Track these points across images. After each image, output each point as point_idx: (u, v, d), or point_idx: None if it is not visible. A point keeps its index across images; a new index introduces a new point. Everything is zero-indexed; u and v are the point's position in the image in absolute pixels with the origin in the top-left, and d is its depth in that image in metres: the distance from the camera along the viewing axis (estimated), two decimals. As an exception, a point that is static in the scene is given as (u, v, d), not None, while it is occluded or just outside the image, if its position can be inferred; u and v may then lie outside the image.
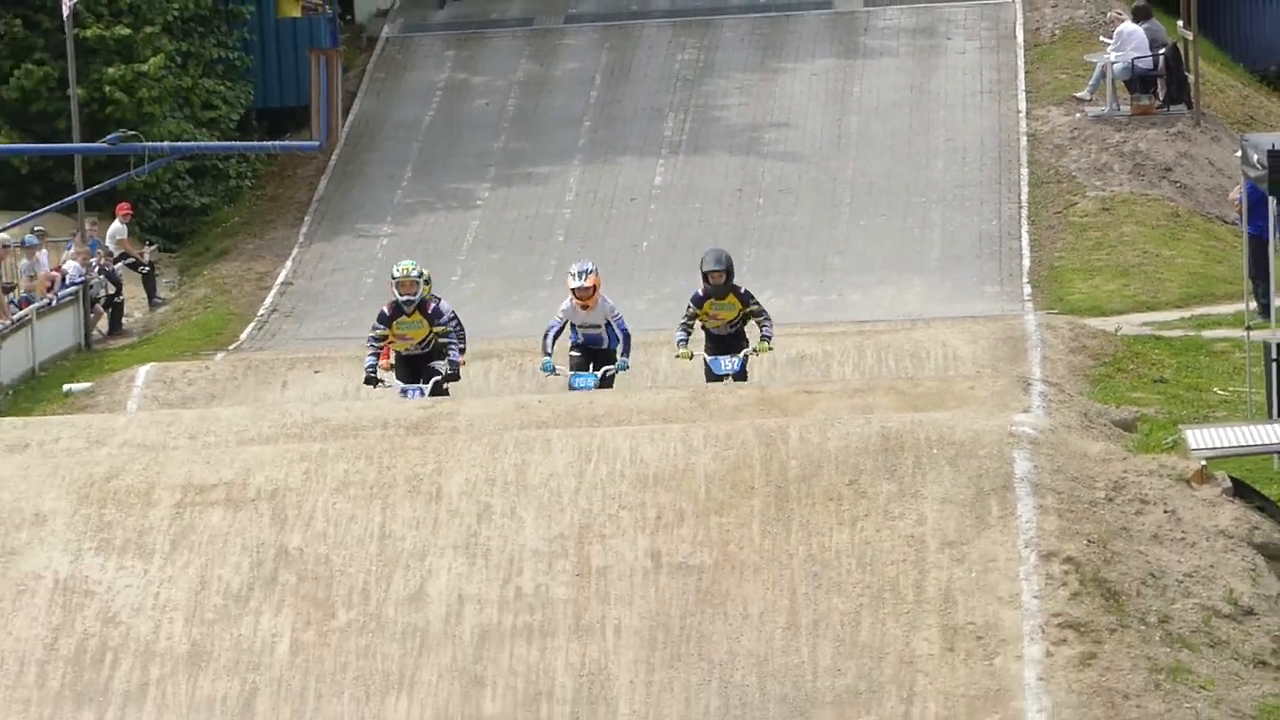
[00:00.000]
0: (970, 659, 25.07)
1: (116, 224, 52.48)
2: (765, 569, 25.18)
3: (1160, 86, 55.89)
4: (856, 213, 51.18)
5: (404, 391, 28.11)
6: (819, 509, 26.74)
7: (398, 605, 25.27)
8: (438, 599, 25.47)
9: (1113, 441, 30.69)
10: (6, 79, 52.49)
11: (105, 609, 25.27)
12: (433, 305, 28.02)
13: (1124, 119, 54.86)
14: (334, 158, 55.54)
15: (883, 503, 26.88)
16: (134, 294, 51.07)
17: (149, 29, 54.57)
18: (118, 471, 28.20)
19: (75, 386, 42.19)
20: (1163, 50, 56.47)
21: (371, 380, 28.65)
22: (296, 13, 59.57)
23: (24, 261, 49.91)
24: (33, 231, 51.46)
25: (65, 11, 50.81)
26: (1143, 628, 25.74)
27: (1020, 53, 57.45)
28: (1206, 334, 42.41)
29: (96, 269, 50.48)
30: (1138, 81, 55.69)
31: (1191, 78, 56.57)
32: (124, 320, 49.99)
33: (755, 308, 27.09)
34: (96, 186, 52.53)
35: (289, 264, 51.20)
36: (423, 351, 28.44)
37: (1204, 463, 28.82)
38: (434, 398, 28.20)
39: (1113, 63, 55.96)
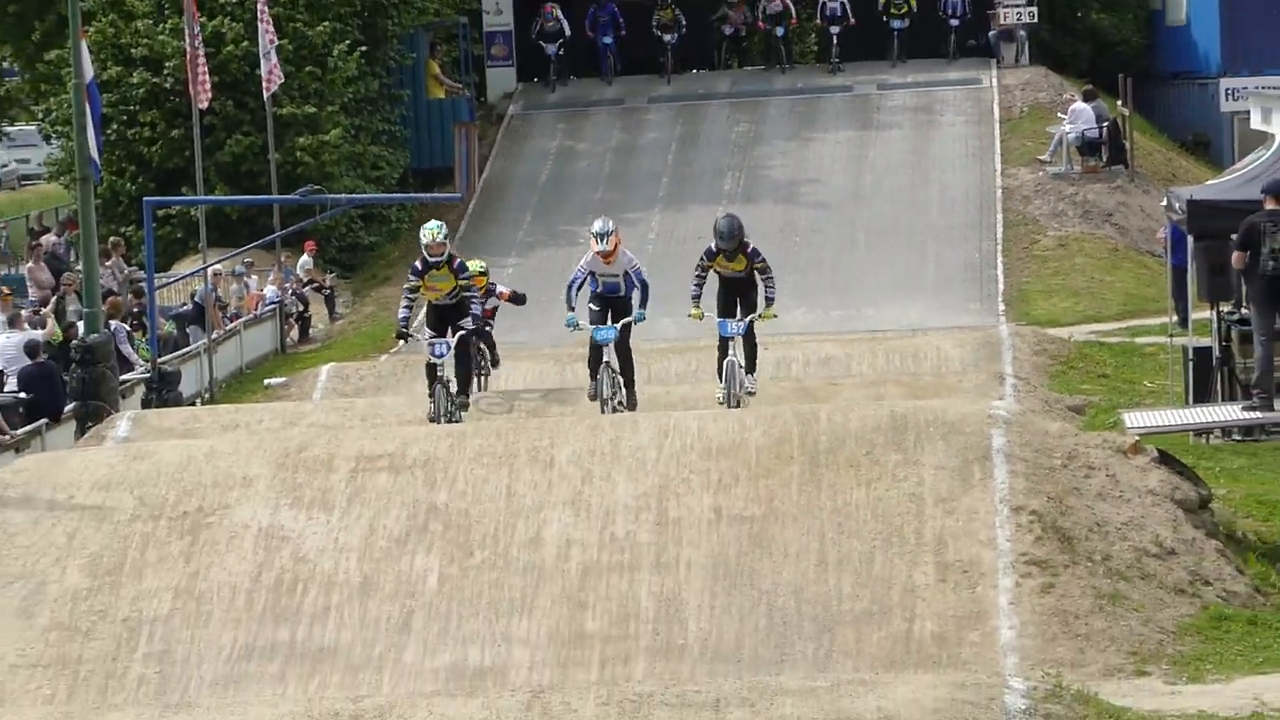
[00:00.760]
0: (958, 588, 25.11)
1: (305, 257, 52.68)
2: (801, 519, 25.27)
3: (1104, 151, 55.78)
4: (870, 248, 51.17)
5: (432, 345, 27.31)
6: (842, 473, 26.77)
7: (520, 547, 25.35)
8: (550, 542, 25.59)
9: (1067, 422, 30.80)
10: (221, 146, 52.47)
11: (296, 550, 25.44)
12: (457, 261, 27.35)
13: (1076, 176, 54.84)
14: (471, 206, 55.54)
15: (891, 468, 26.92)
16: (318, 311, 51.22)
17: (330, 108, 54.64)
18: (306, 445, 28.31)
19: (273, 381, 42.37)
20: (1106, 123, 56.39)
21: (402, 335, 28.07)
22: (442, 94, 59.70)
23: (234, 286, 50.18)
24: (242, 263, 51.73)
25: (266, 95, 50.83)
26: (1089, 564, 25.70)
27: (997, 125, 57.38)
28: (1139, 340, 42.51)
29: (290, 292, 50.69)
30: (1087, 147, 55.62)
31: (1128, 144, 56.49)
32: (310, 331, 50.16)
33: (761, 264, 26.37)
34: (290, 228, 52.64)
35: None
36: (450, 301, 27.54)
37: (1137, 438, 28.82)
38: (455, 351, 27.59)
39: (1067, 133, 55.89)
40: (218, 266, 51.00)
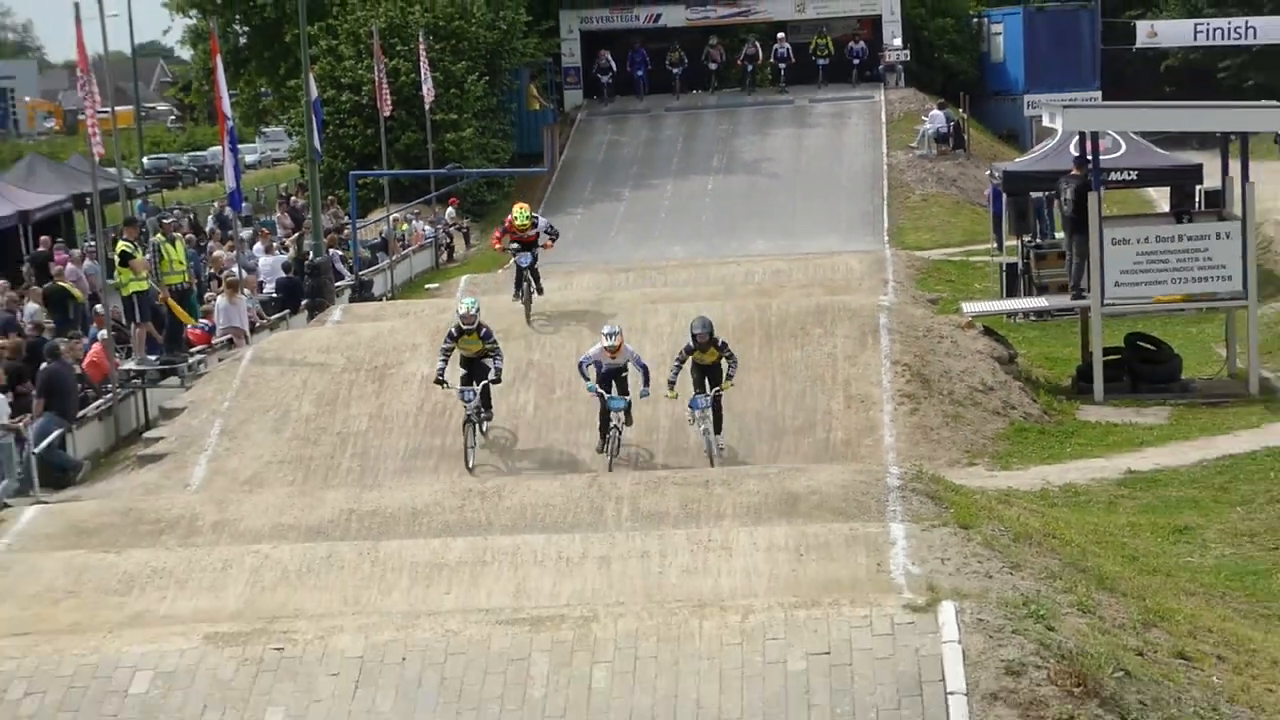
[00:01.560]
0: (858, 411, 25.04)
1: (450, 209, 52.40)
2: (760, 369, 25.19)
3: (950, 141, 55.34)
4: (804, 201, 50.71)
5: (461, 393, 24.42)
6: (785, 341, 26.62)
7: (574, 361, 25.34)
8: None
9: (926, 309, 30.60)
10: (398, 140, 52.28)
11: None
12: (484, 330, 24.48)
13: (933, 157, 54.30)
14: (554, 177, 55.11)
15: (816, 338, 26.77)
16: (459, 243, 50.99)
17: (465, 115, 54.35)
18: (433, 336, 28.25)
19: (431, 286, 42.34)
20: (952, 123, 55.93)
21: (439, 382, 24.44)
22: (536, 107, 59.49)
23: (405, 226, 49.89)
24: (410, 213, 51.49)
25: (426, 106, 50.67)
26: (939, 396, 25.61)
27: (883, 125, 56.78)
28: (972, 259, 42.29)
29: (440, 230, 50.50)
30: (940, 138, 55.10)
31: (966, 137, 56.08)
32: (454, 255, 49.91)
33: (728, 354, 24.07)
34: (440, 191, 52.64)
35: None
36: (476, 357, 24.61)
37: (970, 318, 28.70)
38: (480, 395, 24.64)
39: (928, 129, 55.33)
40: (396, 214, 50.92)
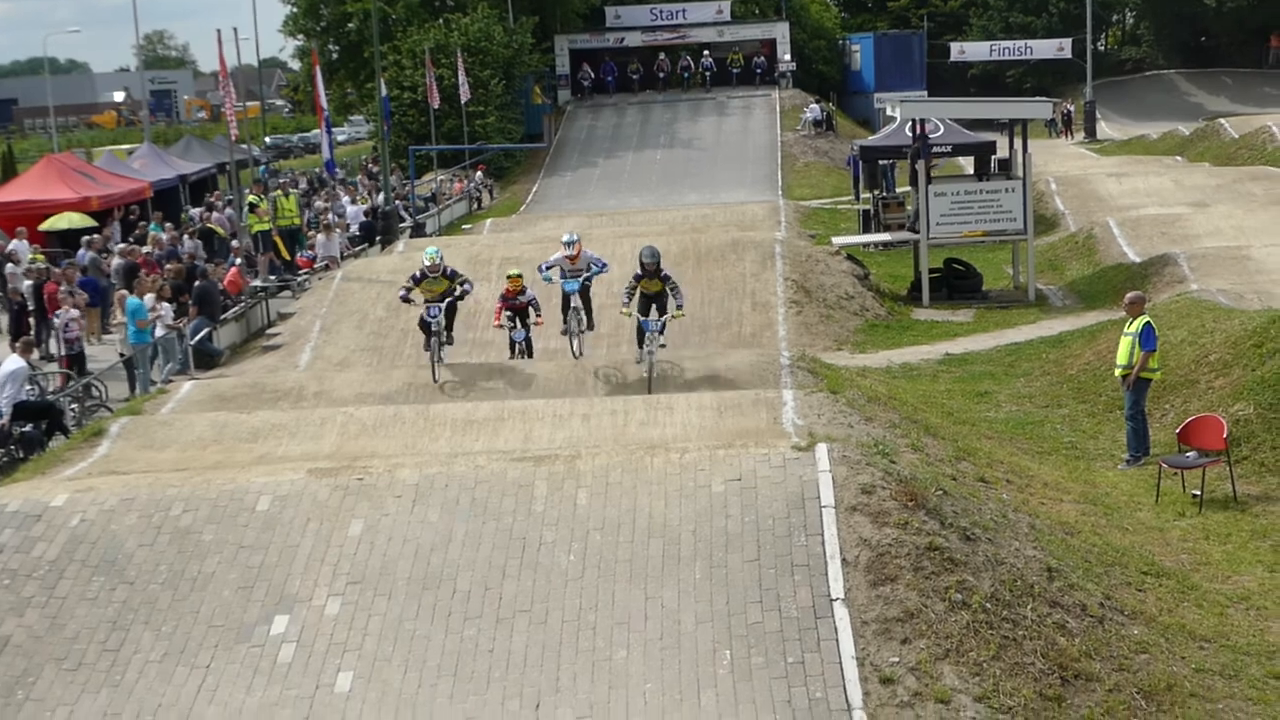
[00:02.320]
0: (760, 313, 24.88)
1: (479, 173, 51.90)
2: (692, 285, 24.84)
3: (824, 125, 55.04)
4: (723, 167, 50.32)
5: (427, 309, 19.68)
6: (710, 264, 26.42)
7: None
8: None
9: (807, 242, 30.38)
10: (443, 124, 51.73)
11: (476, 295, 25.01)
12: (450, 269, 20.00)
13: (811, 137, 54.06)
14: (551, 151, 54.69)
15: (732, 262, 26.57)
16: (485, 198, 50.52)
17: (490, 107, 53.90)
18: (480, 250, 27.93)
19: (466, 226, 41.67)
20: (825, 113, 55.66)
21: (405, 299, 20.07)
22: (538, 101, 58.81)
23: (449, 185, 49.47)
24: (452, 175, 51.00)
25: (463, 101, 50.21)
26: (816, 302, 25.44)
27: (778, 114, 56.72)
28: (840, 207, 42.00)
29: (473, 187, 50.00)
30: (816, 124, 54.83)
31: (835, 123, 55.78)
32: (482, 204, 49.46)
33: (671, 285, 19.66)
34: (473, 160, 52.13)
35: (537, 185, 50.53)
36: (441, 299, 19.76)
37: (838, 248, 28.55)
38: (444, 312, 19.81)
39: (808, 118, 55.05)
40: (442, 176, 50.56)
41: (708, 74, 61.50)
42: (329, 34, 62.66)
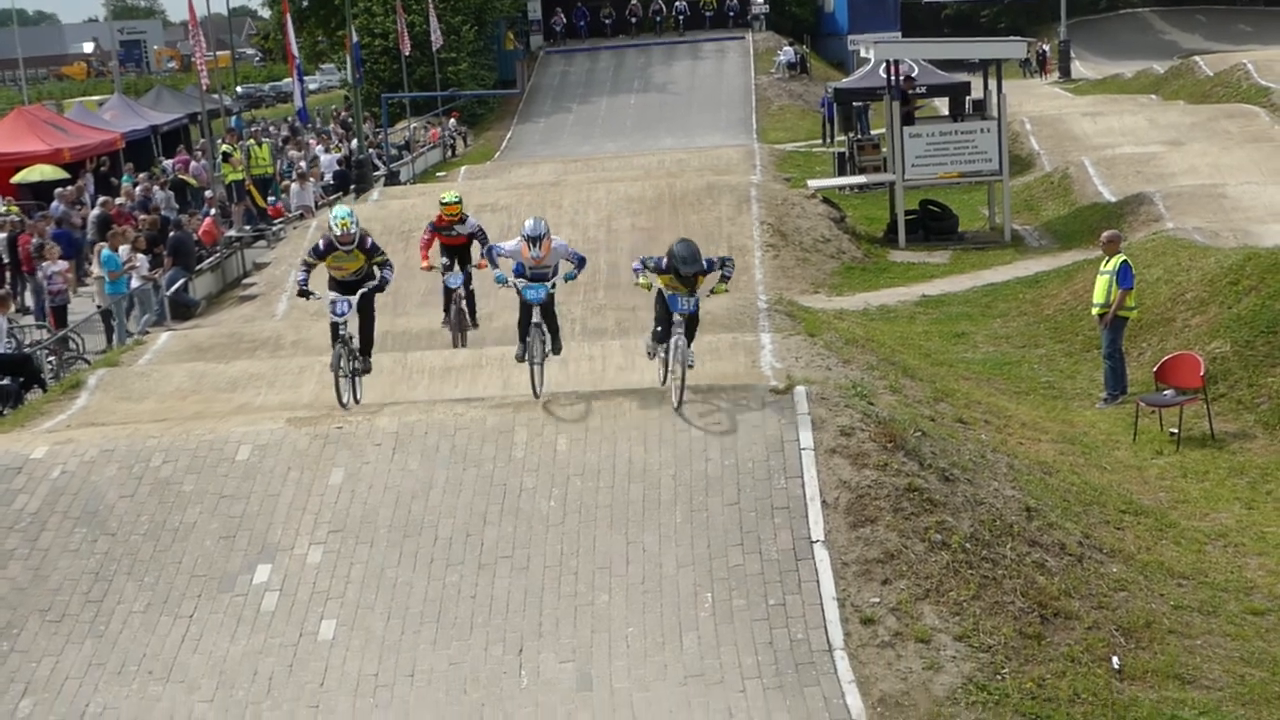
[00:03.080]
0: (738, 257, 24.59)
1: (452, 121, 51.52)
2: (669, 229, 24.70)
3: (798, 68, 54.83)
4: (699, 111, 50.09)
5: (333, 303, 14.51)
6: (686, 209, 26.36)
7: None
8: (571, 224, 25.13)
9: (783, 185, 30.31)
10: (414, 71, 51.37)
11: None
12: (369, 241, 14.53)
13: (785, 80, 53.85)
14: (524, 97, 54.28)
15: (708, 206, 26.51)
16: (459, 145, 50.14)
17: (462, 54, 53.60)
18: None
19: (440, 174, 41.25)
20: (799, 55, 55.45)
21: (303, 294, 14.67)
22: (511, 47, 58.36)
23: (422, 133, 49.06)
24: (425, 123, 50.62)
25: (434, 48, 49.83)
26: (793, 245, 25.43)
27: (752, 58, 56.13)
28: (815, 150, 41.84)
29: (446, 135, 49.60)
30: (790, 67, 54.63)
31: (809, 65, 55.53)
32: (456, 152, 49.06)
33: (726, 270, 14.11)
34: (445, 107, 51.80)
35: (510, 132, 50.17)
36: (356, 279, 14.63)
37: (815, 191, 28.50)
38: (358, 310, 14.69)
39: (782, 60, 54.84)
40: (415, 124, 50.19)
41: (681, 17, 61.08)
42: (300, -20, 62.16)
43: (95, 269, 24.36)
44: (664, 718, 10.34)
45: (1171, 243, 22.10)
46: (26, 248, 25.95)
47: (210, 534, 12.36)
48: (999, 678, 10.63)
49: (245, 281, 27.28)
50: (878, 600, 11.21)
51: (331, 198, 34.98)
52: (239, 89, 71.48)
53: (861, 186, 32.91)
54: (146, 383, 16.69)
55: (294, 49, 37.19)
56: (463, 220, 17.01)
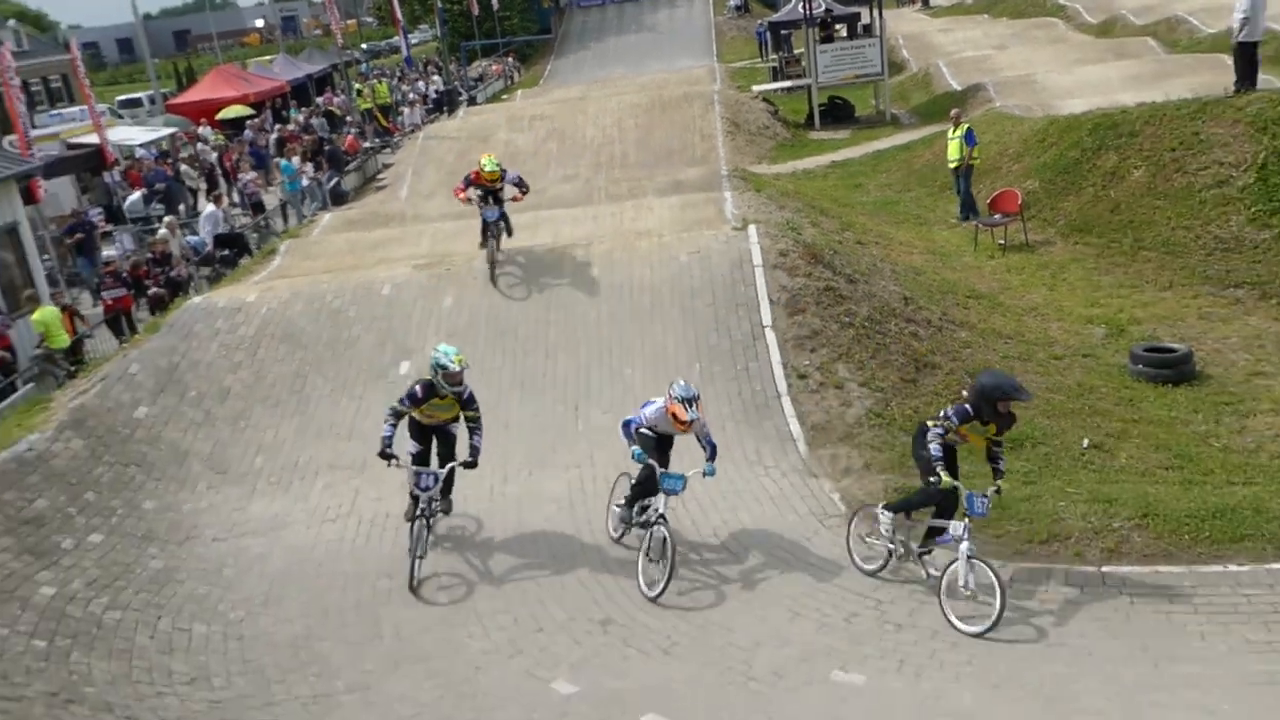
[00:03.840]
0: (707, 142, 24.20)
1: (510, 59, 49.93)
2: (659, 127, 24.17)
3: (742, 9, 52.86)
4: (672, 44, 48.00)
5: (419, 476, 8.76)
6: (670, 112, 25.61)
7: (579, 138, 24.29)
8: (590, 135, 24.53)
9: (736, 91, 29.46)
10: (482, 26, 49.48)
11: (513, 142, 24.46)
12: (467, 393, 8.76)
13: (735, 18, 51.85)
14: (557, 40, 52.51)
15: (685, 109, 25.77)
16: (517, 76, 48.57)
17: (513, 10, 51.76)
18: (518, 114, 27.06)
19: (505, 96, 39.28)
20: (744, 1, 53.43)
21: (385, 456, 8.54)
22: (547, 5, 56.03)
23: (492, 69, 47.38)
24: (493, 62, 48.92)
25: (495, 9, 48.03)
26: (744, 131, 24.81)
27: (711, 5, 53.88)
28: (756, 66, 40.46)
29: (506, 71, 48.01)
30: (738, 9, 52.66)
31: (751, 6, 53.46)
32: (514, 81, 47.61)
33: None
34: (503, 50, 50.14)
35: (550, 65, 48.53)
36: (445, 425, 8.99)
37: (759, 93, 27.74)
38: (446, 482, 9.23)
39: (731, 4, 52.85)
40: (484, 63, 48.64)
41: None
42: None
43: (277, 175, 24.06)
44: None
45: (1000, 116, 21.64)
46: (230, 162, 25.63)
47: (368, 343, 12.43)
48: (889, 408, 10.77)
49: (379, 177, 26.88)
50: (808, 362, 11.30)
51: (432, 117, 34.28)
52: (364, 45, 69.48)
53: (788, 89, 31.98)
54: (318, 248, 16.58)
55: (399, 15, 36.12)
56: (502, 177, 13.14)
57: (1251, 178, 14.71)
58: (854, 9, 33.88)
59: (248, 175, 23.64)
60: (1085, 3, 38.08)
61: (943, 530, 7.90)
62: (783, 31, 35.61)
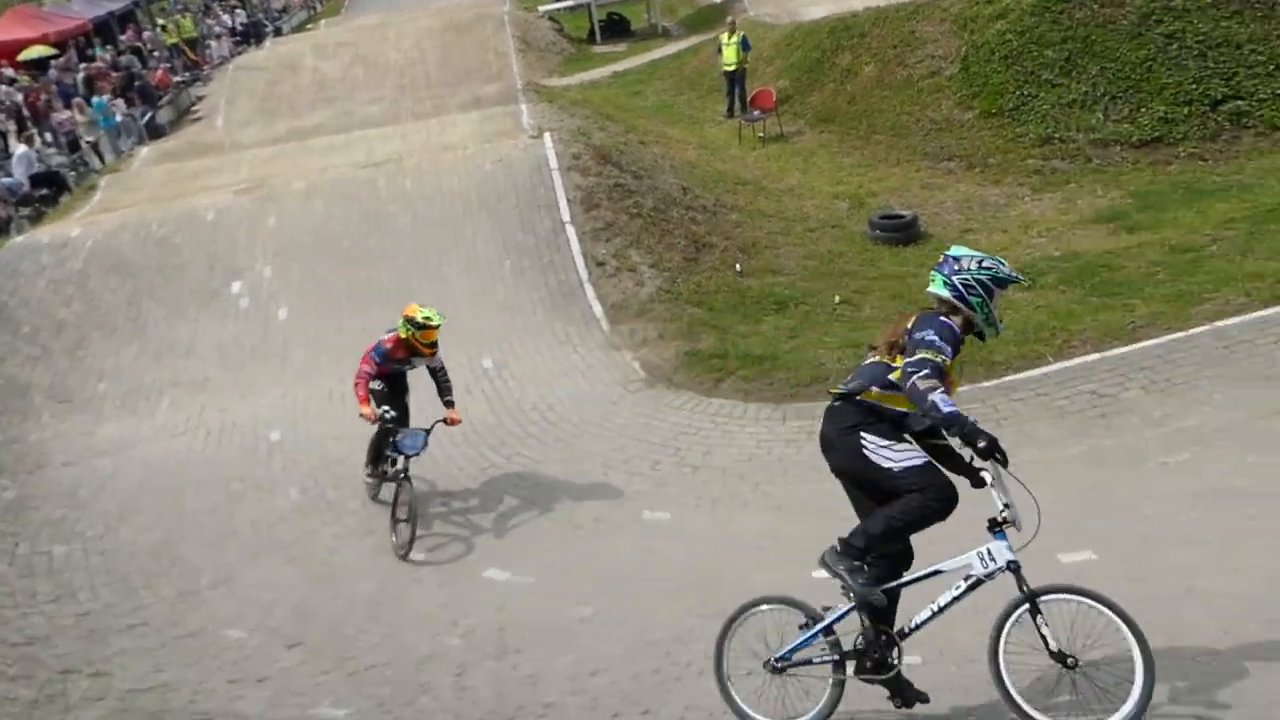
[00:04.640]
0: (501, 59, 22.57)
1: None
2: (457, 49, 22.43)
3: None
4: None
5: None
6: (465, 35, 23.67)
7: (377, 52, 22.62)
8: (395, 49, 22.91)
9: (526, 12, 28.24)
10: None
11: (318, 70, 22.64)
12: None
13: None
14: None
15: (478, 30, 24.17)
16: (318, 5, 44.72)
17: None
18: (320, 40, 24.99)
19: (309, 26, 36.12)
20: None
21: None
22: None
23: (290, 1, 43.28)
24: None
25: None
26: (534, 48, 23.81)
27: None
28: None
29: (309, 1, 43.86)
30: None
31: None
32: (317, 10, 43.56)
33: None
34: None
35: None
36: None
37: (544, 13, 26.67)
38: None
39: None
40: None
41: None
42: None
43: (87, 113, 21.71)
44: (494, 331, 10.35)
45: (756, 25, 21.58)
46: (37, 103, 22.92)
47: (198, 266, 11.59)
48: (676, 285, 10.91)
49: (192, 109, 24.63)
50: (604, 251, 11.26)
51: (239, 48, 31.53)
52: (164, -18, 62.83)
53: (572, 8, 30.92)
54: (139, 180, 15.23)
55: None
56: (433, 348, 7.50)
57: (956, 68, 15.36)
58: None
59: (62, 114, 21.26)
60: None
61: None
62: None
